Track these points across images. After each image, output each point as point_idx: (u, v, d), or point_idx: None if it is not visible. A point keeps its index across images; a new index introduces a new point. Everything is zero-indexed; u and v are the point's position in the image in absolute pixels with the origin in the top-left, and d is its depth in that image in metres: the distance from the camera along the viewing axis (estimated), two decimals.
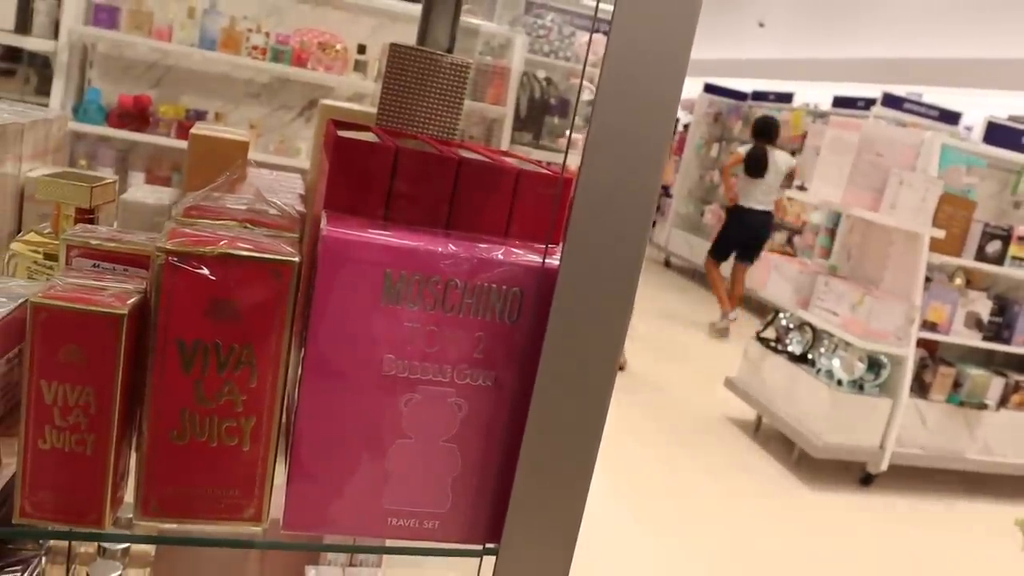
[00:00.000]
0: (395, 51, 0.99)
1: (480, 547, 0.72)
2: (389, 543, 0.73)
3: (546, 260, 0.68)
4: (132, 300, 0.63)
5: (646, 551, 3.36)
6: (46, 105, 3.89)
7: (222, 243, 0.63)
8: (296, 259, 0.64)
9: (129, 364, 0.63)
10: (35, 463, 0.62)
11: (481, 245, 0.68)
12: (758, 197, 6.75)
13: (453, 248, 0.66)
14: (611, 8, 0.62)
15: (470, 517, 0.71)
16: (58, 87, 4.11)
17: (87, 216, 0.92)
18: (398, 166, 0.70)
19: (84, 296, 0.62)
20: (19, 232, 1.04)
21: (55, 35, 4.09)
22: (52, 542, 1.12)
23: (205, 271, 0.62)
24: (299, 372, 0.67)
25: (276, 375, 0.65)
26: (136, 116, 4.20)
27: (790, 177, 7.01)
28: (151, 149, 4.38)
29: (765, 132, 6.82)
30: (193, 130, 1.08)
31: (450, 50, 1.44)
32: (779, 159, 6.76)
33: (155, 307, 0.62)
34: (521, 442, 0.67)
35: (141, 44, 4.20)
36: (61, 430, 0.62)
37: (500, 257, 0.67)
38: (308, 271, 0.69)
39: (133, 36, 4.13)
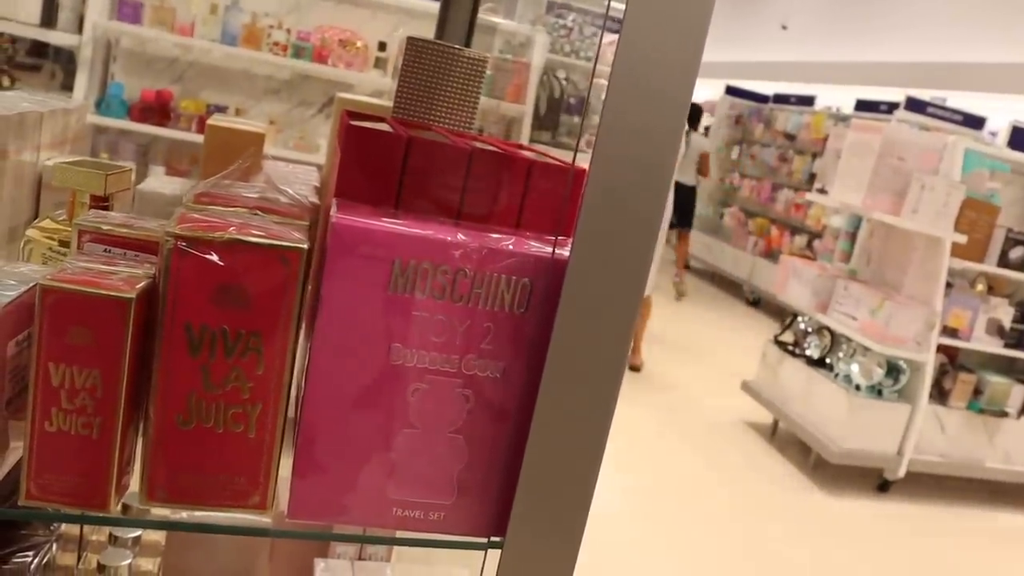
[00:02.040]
0: (412, 44, 0.99)
1: (485, 540, 0.71)
2: (390, 534, 0.73)
3: (556, 251, 0.67)
4: (141, 284, 0.63)
5: (659, 553, 3.34)
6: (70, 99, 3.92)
7: (231, 229, 0.63)
8: (304, 246, 0.64)
9: (136, 348, 0.63)
10: (41, 445, 0.62)
11: (491, 235, 0.68)
12: (681, 170, 7.68)
13: (463, 237, 0.66)
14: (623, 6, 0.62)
15: (475, 509, 0.70)
16: (81, 81, 4.15)
17: (102, 203, 0.92)
18: (409, 155, 0.70)
19: (93, 279, 0.62)
20: (37, 219, 1.05)
21: (79, 29, 4.13)
22: (64, 529, 1.13)
23: (213, 256, 0.62)
24: (306, 360, 0.67)
25: (283, 362, 0.65)
26: (158, 110, 4.23)
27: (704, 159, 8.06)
28: (172, 143, 4.41)
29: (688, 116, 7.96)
30: (210, 121, 1.09)
31: (467, 45, 1.44)
32: (695, 141, 7.73)
33: (163, 291, 0.62)
34: (528, 435, 0.67)
35: (164, 39, 4.24)
36: (68, 413, 0.62)
37: (510, 247, 0.67)
38: (319, 260, 0.69)
39: (156, 31, 4.16)
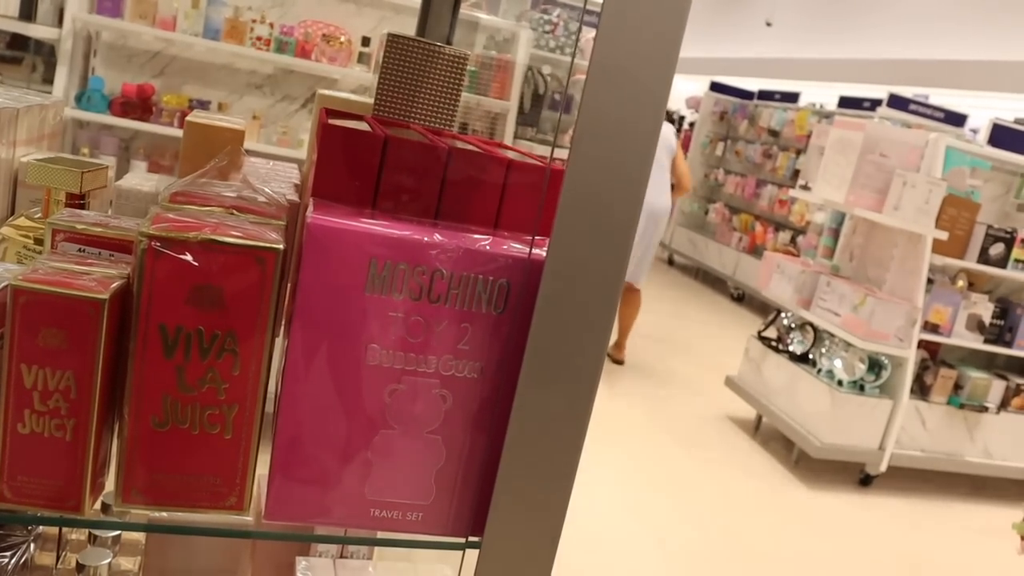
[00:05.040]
0: (393, 41, 0.99)
1: (463, 540, 0.71)
2: (371, 534, 0.72)
3: (533, 251, 0.67)
4: (114, 285, 0.63)
5: (643, 549, 3.35)
6: (50, 93, 3.88)
7: (205, 229, 0.62)
8: (280, 246, 0.63)
9: (110, 350, 0.63)
10: (14, 448, 0.61)
11: (468, 235, 0.67)
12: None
13: (440, 238, 0.66)
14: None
15: (454, 509, 0.70)
16: (62, 75, 4.11)
17: (77, 201, 0.92)
18: (387, 155, 0.70)
19: (66, 280, 0.62)
20: (12, 217, 1.04)
21: (59, 23, 4.09)
22: (42, 529, 1.12)
23: (188, 257, 0.61)
24: (283, 360, 0.67)
25: (259, 363, 0.65)
26: (139, 105, 4.20)
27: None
28: (154, 138, 4.38)
29: None
30: (189, 118, 1.08)
31: (449, 42, 1.43)
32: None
33: (137, 292, 0.62)
34: (506, 435, 0.67)
35: (145, 33, 4.20)
36: (40, 415, 0.61)
37: (487, 247, 0.66)
38: (296, 259, 0.69)
39: (137, 25, 4.12)
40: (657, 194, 5.37)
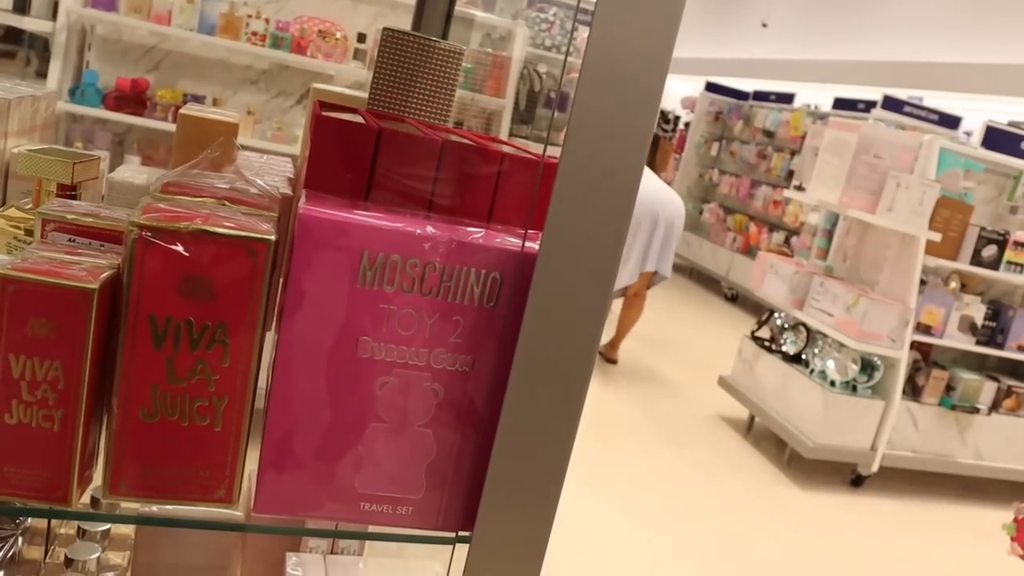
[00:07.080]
0: (388, 35, 0.98)
1: (453, 535, 0.71)
2: (359, 528, 0.72)
3: (526, 245, 0.67)
4: (104, 275, 0.62)
5: (635, 549, 3.35)
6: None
7: (197, 219, 0.62)
8: (272, 237, 0.63)
9: (100, 340, 0.62)
10: (1, 438, 0.61)
11: (461, 228, 0.67)
12: None
13: (432, 230, 0.65)
14: None
15: (444, 504, 0.70)
16: (55, 68, 4.09)
17: (69, 192, 0.91)
18: (380, 146, 0.69)
19: (55, 269, 0.61)
20: (2, 208, 1.03)
21: (53, 16, 4.07)
22: (31, 523, 1.11)
23: (179, 247, 0.61)
24: (274, 352, 0.66)
25: (250, 354, 0.64)
26: (133, 99, 4.18)
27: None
28: (148, 133, 4.36)
29: None
30: (182, 110, 1.08)
31: (445, 37, 1.43)
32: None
33: (127, 282, 0.61)
34: (497, 429, 0.66)
35: (140, 27, 4.18)
36: (28, 405, 0.61)
37: (480, 241, 0.66)
38: (288, 251, 0.68)
39: (132, 19, 4.11)
40: (670, 198, 5.36)
